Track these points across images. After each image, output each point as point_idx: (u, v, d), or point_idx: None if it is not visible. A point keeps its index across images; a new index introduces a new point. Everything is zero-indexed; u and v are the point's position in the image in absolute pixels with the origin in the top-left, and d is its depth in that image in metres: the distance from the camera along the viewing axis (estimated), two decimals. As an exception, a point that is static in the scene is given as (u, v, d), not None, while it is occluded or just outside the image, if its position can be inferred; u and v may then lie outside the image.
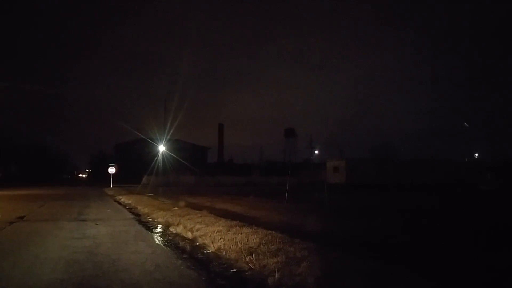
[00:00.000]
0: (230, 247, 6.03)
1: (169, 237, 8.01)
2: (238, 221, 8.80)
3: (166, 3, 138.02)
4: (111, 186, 35.24)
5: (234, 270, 5.13)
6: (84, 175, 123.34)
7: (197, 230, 7.86)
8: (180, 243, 7.26)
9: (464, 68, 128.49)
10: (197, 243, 7.06)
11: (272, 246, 5.82)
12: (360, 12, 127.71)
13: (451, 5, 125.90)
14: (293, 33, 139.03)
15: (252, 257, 5.25)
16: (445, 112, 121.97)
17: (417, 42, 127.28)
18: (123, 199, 19.55)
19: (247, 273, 4.91)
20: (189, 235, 7.77)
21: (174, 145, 42.72)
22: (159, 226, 9.73)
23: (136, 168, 48.87)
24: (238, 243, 6.18)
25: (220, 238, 6.71)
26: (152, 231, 8.92)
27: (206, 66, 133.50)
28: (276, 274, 4.45)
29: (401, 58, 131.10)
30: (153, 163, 37.00)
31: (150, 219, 11.14)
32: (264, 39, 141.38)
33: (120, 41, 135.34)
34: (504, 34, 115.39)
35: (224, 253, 5.95)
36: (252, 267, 5.01)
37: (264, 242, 6.15)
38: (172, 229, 8.86)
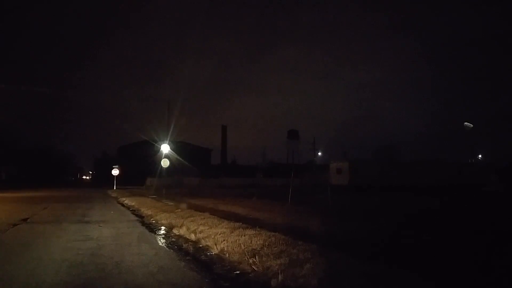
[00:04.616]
0: (233, 249, 6.01)
1: (172, 239, 8.00)
2: (241, 223, 8.78)
3: (172, 11, 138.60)
4: (115, 188, 35.36)
5: (237, 272, 5.12)
6: (87, 177, 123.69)
7: (200, 232, 7.84)
8: (183, 245, 7.24)
9: (465, 69, 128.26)
10: (200, 245, 7.05)
11: (275, 248, 5.79)
12: (361, 20, 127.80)
13: (451, 9, 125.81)
14: (295, 42, 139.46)
15: (255, 259, 5.23)
16: (447, 113, 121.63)
17: (418, 46, 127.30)
18: (127, 201, 19.57)
19: (250, 275, 4.89)
20: (192, 237, 7.76)
21: (178, 147, 42.80)
22: (163, 228, 9.73)
23: (140, 170, 49.07)
24: (241, 245, 6.16)
25: (223, 240, 6.69)
26: (155, 233, 8.91)
27: (209, 71, 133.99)
28: (280, 276, 4.43)
29: (403, 62, 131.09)
30: (156, 165, 37.04)
31: (153, 221, 11.14)
32: (267, 48, 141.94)
33: (126, 46, 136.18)
34: (505, 34, 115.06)
35: (227, 255, 5.93)
36: (256, 269, 4.99)
37: (267, 244, 6.13)
38: (175, 231, 8.86)
